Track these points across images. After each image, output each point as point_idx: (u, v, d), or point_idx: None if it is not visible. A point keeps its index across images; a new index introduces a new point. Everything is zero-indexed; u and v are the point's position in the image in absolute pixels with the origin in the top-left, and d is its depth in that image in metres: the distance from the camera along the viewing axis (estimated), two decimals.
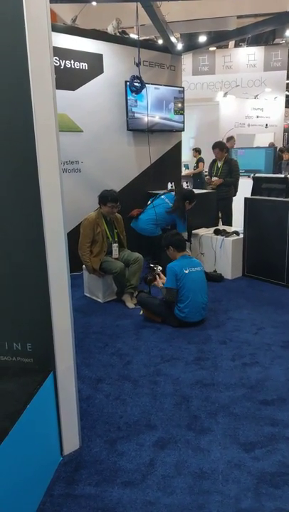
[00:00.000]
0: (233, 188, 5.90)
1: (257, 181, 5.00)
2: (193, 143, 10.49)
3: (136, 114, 5.43)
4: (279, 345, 3.24)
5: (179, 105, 5.95)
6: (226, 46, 12.12)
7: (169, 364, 3.00)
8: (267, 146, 9.55)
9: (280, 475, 1.95)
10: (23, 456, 1.70)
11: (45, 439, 1.97)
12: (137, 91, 5.20)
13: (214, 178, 5.88)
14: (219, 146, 5.84)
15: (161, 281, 3.80)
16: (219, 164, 5.90)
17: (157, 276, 3.86)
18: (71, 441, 2.13)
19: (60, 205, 1.85)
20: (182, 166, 7.85)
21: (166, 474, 1.97)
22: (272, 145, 10.10)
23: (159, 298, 3.74)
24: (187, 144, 10.05)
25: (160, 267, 3.92)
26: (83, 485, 1.92)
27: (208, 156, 6.60)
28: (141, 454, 2.11)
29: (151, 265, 4.00)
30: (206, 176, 7.64)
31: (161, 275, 3.86)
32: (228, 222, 5.95)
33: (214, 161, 6.05)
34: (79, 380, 2.52)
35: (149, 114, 5.53)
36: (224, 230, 5.06)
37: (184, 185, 6.55)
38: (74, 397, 2.09)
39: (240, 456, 2.08)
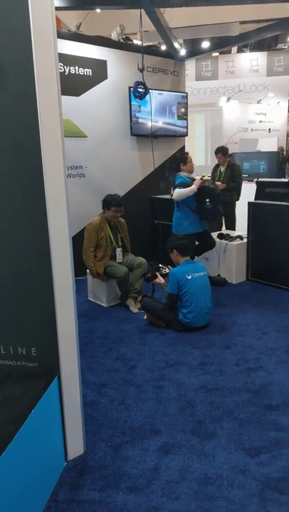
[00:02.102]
0: (236, 193, 5.91)
1: (260, 186, 5.00)
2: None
3: (139, 120, 5.45)
4: (283, 350, 3.22)
5: (183, 110, 5.97)
6: (229, 52, 12.15)
7: (173, 369, 2.99)
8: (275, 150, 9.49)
9: (286, 480, 1.94)
10: (28, 461, 1.70)
11: (50, 443, 1.97)
12: (141, 96, 5.24)
13: (217, 183, 5.88)
14: (222, 151, 5.85)
15: (158, 280, 3.84)
16: (222, 169, 5.90)
17: (157, 273, 3.88)
18: (75, 446, 2.13)
19: (65, 210, 1.86)
20: None
21: (170, 479, 1.96)
22: (281, 149, 9.95)
23: (163, 302, 3.75)
24: (194, 146, 9.99)
25: (168, 270, 3.91)
26: (87, 490, 1.91)
27: (213, 161, 6.59)
28: (145, 459, 2.10)
29: (160, 265, 4.00)
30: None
31: (160, 277, 3.87)
32: (231, 226, 5.95)
33: (217, 166, 6.05)
34: (83, 385, 2.51)
35: (152, 120, 5.56)
36: (228, 235, 5.06)
37: None
38: (78, 401, 2.09)
39: (245, 461, 2.07)
